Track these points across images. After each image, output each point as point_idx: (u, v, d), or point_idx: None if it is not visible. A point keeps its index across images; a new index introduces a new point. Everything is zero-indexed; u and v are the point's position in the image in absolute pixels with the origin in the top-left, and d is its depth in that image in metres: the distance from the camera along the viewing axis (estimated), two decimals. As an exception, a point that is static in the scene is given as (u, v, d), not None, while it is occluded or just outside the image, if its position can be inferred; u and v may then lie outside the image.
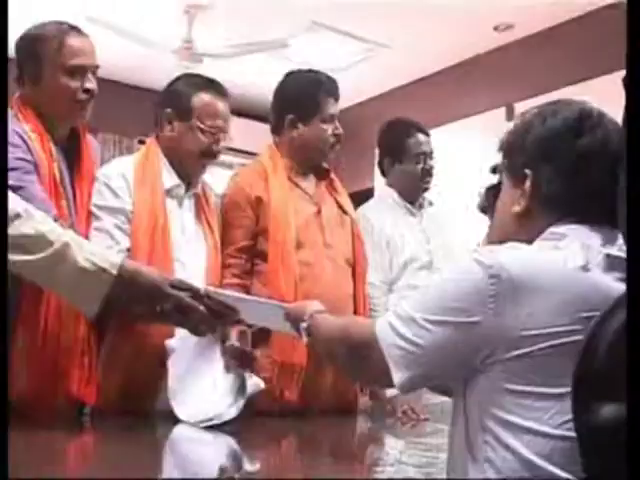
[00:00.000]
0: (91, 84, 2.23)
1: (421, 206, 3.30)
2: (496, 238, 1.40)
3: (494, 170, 1.47)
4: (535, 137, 1.36)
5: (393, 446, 2.26)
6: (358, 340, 1.39)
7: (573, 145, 1.32)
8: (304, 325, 1.67)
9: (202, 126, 2.37)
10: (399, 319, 1.30)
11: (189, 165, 2.42)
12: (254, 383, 2.20)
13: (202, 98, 2.39)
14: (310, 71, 2.77)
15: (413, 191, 3.25)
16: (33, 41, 2.24)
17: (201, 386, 2.13)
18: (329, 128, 2.67)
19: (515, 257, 1.26)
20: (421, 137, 3.23)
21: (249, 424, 2.28)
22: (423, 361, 1.27)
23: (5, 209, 1.56)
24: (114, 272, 1.87)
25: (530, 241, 1.33)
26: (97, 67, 2.27)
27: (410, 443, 2.29)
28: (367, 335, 1.34)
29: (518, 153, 1.39)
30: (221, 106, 2.41)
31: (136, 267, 1.97)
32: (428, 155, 3.22)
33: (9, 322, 1.48)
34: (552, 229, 1.32)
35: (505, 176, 1.42)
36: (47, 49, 2.21)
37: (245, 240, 2.53)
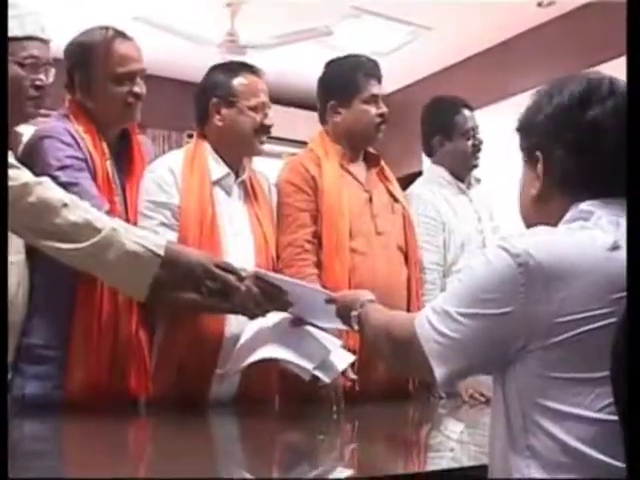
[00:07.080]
0: (139, 88, 2.28)
1: (470, 184, 3.24)
2: (524, 223, 1.39)
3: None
4: (543, 116, 1.34)
5: (453, 429, 2.25)
6: (400, 336, 1.40)
7: (581, 119, 1.28)
8: (355, 314, 1.69)
9: (249, 104, 2.39)
10: (435, 314, 1.30)
11: (244, 148, 2.42)
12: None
13: (241, 80, 2.41)
14: (350, 56, 2.76)
15: (463, 168, 3.19)
16: (81, 49, 2.28)
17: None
18: (372, 108, 2.65)
19: (542, 243, 1.23)
20: (467, 112, 3.19)
21: (301, 409, 2.30)
22: (461, 355, 1.27)
23: (5, 211, 1.60)
24: (161, 252, 1.92)
25: (554, 224, 1.30)
26: (144, 70, 2.30)
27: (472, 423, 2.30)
28: (408, 331, 1.35)
29: (529, 134, 1.37)
30: (260, 83, 2.44)
31: (181, 247, 2.03)
32: (476, 130, 3.18)
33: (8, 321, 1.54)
34: (578, 207, 1.29)
35: (522, 159, 1.40)
36: (95, 57, 2.25)
37: (314, 224, 2.52)
